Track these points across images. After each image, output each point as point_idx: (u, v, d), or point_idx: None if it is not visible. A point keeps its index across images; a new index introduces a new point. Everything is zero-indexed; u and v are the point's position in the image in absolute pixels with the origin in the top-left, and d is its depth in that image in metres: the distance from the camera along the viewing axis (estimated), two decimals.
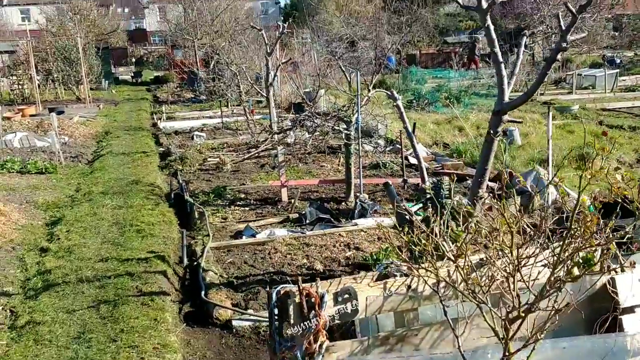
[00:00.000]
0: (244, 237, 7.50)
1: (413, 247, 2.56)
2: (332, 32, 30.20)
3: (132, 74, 39.26)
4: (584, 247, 2.27)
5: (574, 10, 4.50)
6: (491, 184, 9.45)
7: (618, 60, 28.69)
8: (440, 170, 10.18)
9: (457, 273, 2.63)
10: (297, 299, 2.62)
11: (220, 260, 6.78)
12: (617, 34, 41.49)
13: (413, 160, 11.01)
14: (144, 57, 51.52)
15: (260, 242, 7.22)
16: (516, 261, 2.36)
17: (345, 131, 8.50)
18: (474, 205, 5.69)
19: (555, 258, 2.30)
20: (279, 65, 12.35)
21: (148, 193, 9.66)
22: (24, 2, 56.79)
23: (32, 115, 19.40)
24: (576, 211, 2.33)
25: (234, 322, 5.34)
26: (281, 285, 2.71)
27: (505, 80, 5.24)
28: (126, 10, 76.89)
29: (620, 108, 17.67)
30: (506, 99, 5.31)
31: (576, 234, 2.27)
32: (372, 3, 42.60)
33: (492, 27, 5.13)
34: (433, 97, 18.74)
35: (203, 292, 5.77)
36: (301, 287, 2.57)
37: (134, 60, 49.93)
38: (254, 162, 11.88)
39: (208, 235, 7.44)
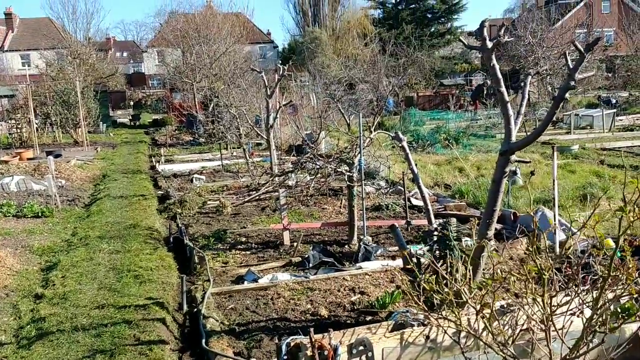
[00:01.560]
0: (245, 282, 7.28)
1: (435, 295, 2.40)
2: (330, 75, 30.57)
3: (131, 117, 39.45)
4: (624, 295, 2.12)
5: (581, 49, 4.45)
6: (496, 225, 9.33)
7: (614, 101, 29.00)
8: (444, 212, 10.03)
9: (478, 322, 2.46)
10: (308, 352, 2.44)
11: (221, 306, 6.55)
12: (610, 75, 42.30)
13: (415, 202, 10.90)
14: (142, 101, 51.99)
15: (263, 287, 7.00)
16: (549, 310, 2.19)
17: (348, 173, 8.39)
18: (482, 247, 5.54)
19: (591, 308, 2.14)
20: (280, 107, 12.33)
21: (146, 237, 9.47)
22: (25, 48, 57.58)
23: (29, 159, 19.32)
24: (612, 257, 2.18)
25: None
26: (291, 337, 2.53)
27: (512, 120, 5.17)
28: (125, 54, 78.11)
29: (620, 147, 17.69)
30: (513, 139, 5.22)
31: (614, 280, 2.12)
32: (368, 47, 43.30)
33: (497, 67, 5.09)
34: (433, 139, 18.77)
35: (204, 341, 5.53)
36: (313, 339, 2.39)
37: (132, 103, 50.36)
38: (255, 205, 11.73)
39: (208, 280, 7.22)
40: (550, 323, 2.20)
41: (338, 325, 5.87)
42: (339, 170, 8.58)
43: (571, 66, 4.58)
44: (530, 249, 2.39)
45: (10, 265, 8.19)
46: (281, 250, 8.64)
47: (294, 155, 14.61)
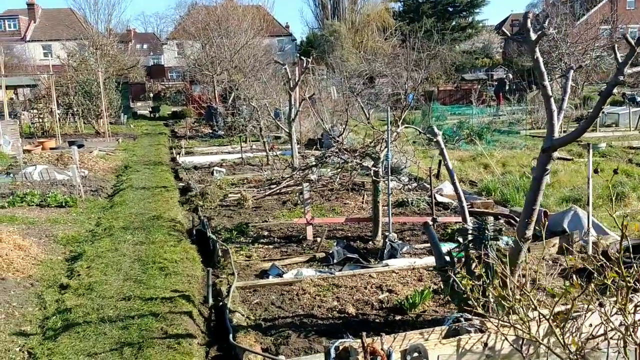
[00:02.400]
0: (270, 276, 7.19)
1: (504, 302, 2.25)
2: (350, 69, 30.34)
3: (150, 109, 39.64)
4: None
5: (632, 42, 4.26)
6: None
7: (639, 99, 28.45)
8: (470, 209, 9.82)
9: (539, 329, 2.32)
10: (360, 357, 2.31)
11: (246, 301, 6.47)
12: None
13: (440, 199, 10.72)
14: (161, 93, 52.23)
15: (288, 282, 6.91)
16: (631, 319, 2.05)
17: (374, 168, 8.25)
18: (521, 247, 5.37)
19: None
20: (302, 99, 12.20)
21: (169, 229, 9.42)
22: (47, 38, 58.10)
23: (52, 149, 19.44)
24: None
25: None
26: (340, 340, 2.41)
27: (555, 115, 4.98)
28: (145, 46, 78.43)
29: None
30: (556, 134, 5.03)
31: None
32: (389, 41, 42.92)
33: (541, 60, 4.89)
34: (455, 134, 18.52)
35: (231, 336, 5.44)
36: (366, 344, 2.26)
37: (151, 95, 50.60)
38: (276, 199, 11.63)
39: (233, 274, 7.14)
40: (632, 332, 2.06)
41: (367, 324, 5.76)
42: (364, 165, 8.43)
43: (620, 60, 4.39)
44: (618, 255, 2.24)
45: (34, 255, 8.19)
46: (304, 245, 8.53)
47: (316, 149, 14.49)
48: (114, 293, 6.64)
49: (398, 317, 5.90)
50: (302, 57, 13.23)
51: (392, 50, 35.61)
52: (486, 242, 5.13)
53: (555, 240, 7.71)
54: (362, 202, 11.11)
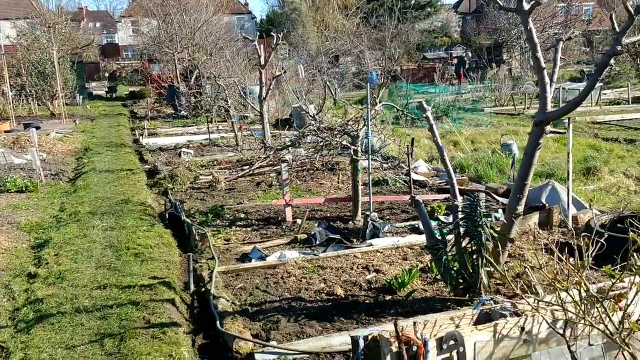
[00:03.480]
0: (252, 260, 6.97)
1: (557, 284, 2.11)
2: (313, 48, 29.99)
3: (107, 89, 38.39)
4: None
5: (632, 11, 4.17)
6: (502, 199, 9.14)
7: None
8: (446, 186, 9.81)
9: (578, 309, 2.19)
10: (394, 347, 2.13)
11: (230, 286, 6.25)
12: (588, 49, 42.49)
13: (416, 177, 10.66)
14: (116, 72, 50.74)
15: (271, 265, 6.71)
16: None
17: (353, 146, 8.07)
18: (512, 223, 5.32)
19: None
20: (274, 77, 11.88)
21: (140, 213, 9.06)
22: None
23: (6, 132, 18.53)
24: None
25: (257, 356, 4.79)
26: (369, 330, 2.23)
27: (548, 88, 4.89)
28: (97, 24, 75.73)
29: (610, 121, 17.70)
30: (549, 107, 4.95)
31: None
32: (351, 20, 42.53)
33: (534, 30, 4.79)
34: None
35: (218, 322, 5.22)
36: (400, 332, 2.09)
37: (107, 75, 49.09)
38: (249, 180, 11.35)
39: (213, 258, 6.90)
40: None
41: (357, 306, 5.63)
42: (344, 143, 8.25)
43: (618, 29, 4.30)
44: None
45: None
46: (284, 227, 8.33)
47: (288, 129, 14.21)
48: (87, 282, 6.31)
49: (388, 297, 5.78)
50: (272, 34, 12.85)
51: (356, 29, 35.36)
52: (478, 219, 5.03)
53: (535, 215, 7.72)
54: (338, 182, 10.94)
